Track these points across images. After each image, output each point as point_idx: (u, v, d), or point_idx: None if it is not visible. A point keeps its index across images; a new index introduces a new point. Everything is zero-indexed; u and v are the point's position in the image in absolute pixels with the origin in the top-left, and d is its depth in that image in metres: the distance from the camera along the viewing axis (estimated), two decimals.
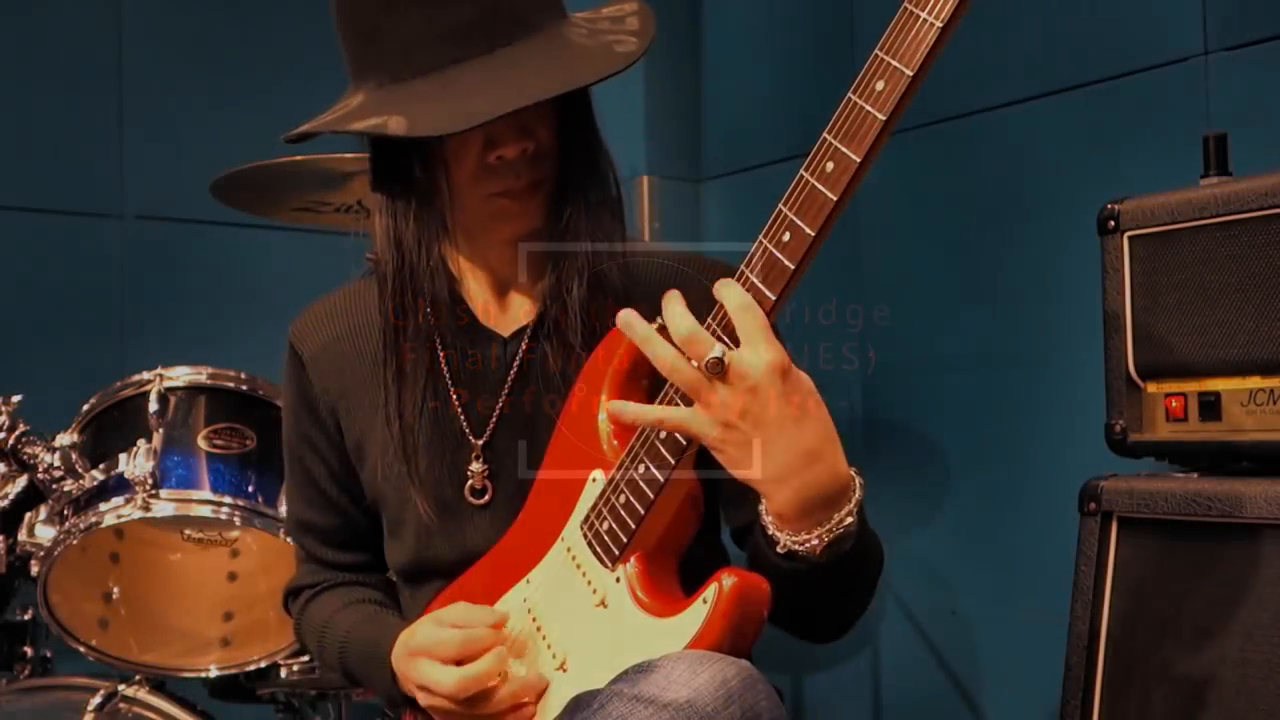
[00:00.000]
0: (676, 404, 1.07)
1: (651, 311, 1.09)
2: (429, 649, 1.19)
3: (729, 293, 1.03)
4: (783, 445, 1.02)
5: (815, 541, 1.05)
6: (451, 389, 1.31)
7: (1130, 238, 1.46)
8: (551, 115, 1.23)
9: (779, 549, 1.07)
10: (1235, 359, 1.36)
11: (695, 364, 1.02)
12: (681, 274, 1.34)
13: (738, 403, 1.01)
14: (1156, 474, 1.44)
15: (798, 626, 1.21)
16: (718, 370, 1.00)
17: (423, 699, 1.21)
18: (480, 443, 1.31)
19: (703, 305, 1.05)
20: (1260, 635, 1.29)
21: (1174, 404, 1.42)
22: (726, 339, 1.03)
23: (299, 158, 1.94)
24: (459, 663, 1.18)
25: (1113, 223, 1.47)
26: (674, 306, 1.04)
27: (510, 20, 1.17)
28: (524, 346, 1.31)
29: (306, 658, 1.99)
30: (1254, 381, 1.35)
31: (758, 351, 1.00)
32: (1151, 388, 1.45)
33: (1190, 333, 1.40)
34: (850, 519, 1.05)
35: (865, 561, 1.15)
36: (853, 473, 1.06)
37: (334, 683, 2.00)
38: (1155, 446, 1.45)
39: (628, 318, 1.07)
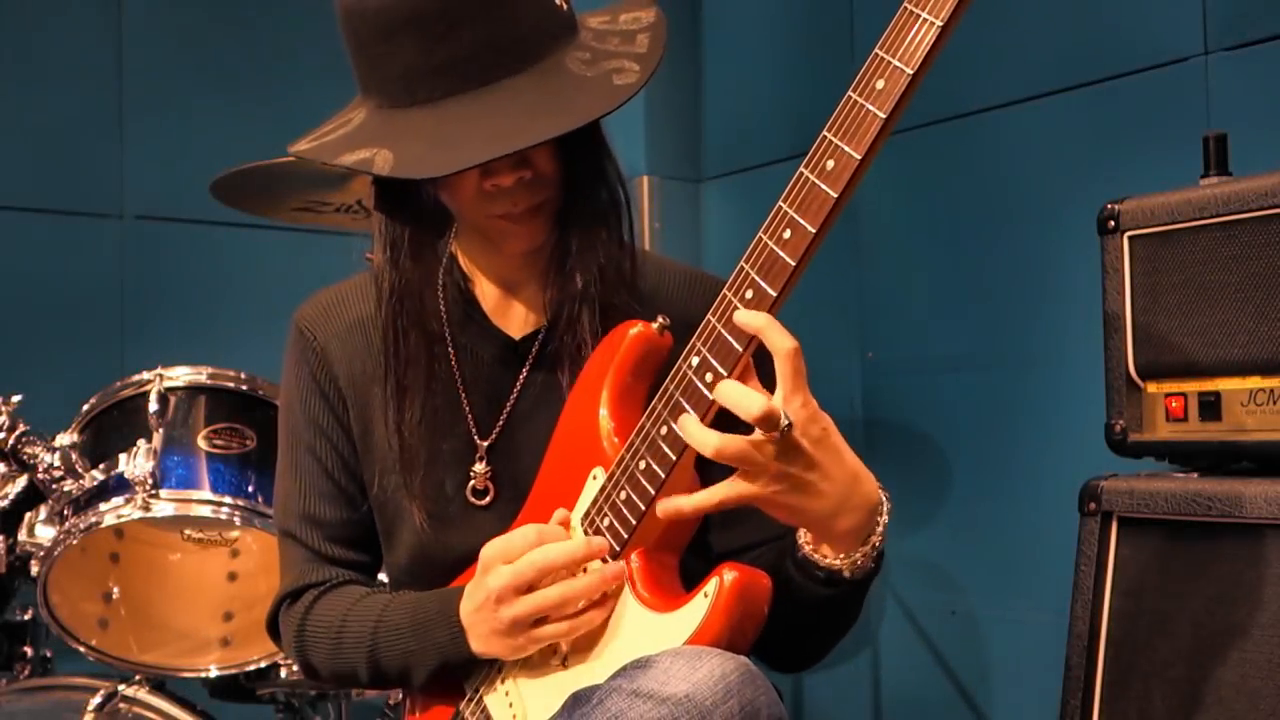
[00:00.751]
0: (681, 407, 1.07)
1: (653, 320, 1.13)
2: (505, 552, 1.14)
3: (776, 336, 1.01)
4: (836, 476, 1.04)
5: (860, 558, 1.10)
6: (460, 388, 1.31)
7: (1130, 238, 1.46)
8: (550, 143, 1.22)
9: (846, 575, 1.11)
10: (1235, 359, 1.36)
11: (764, 434, 1.01)
12: (687, 285, 1.34)
13: (792, 453, 1.02)
14: (1156, 474, 1.43)
15: (809, 654, 1.24)
16: (788, 434, 1.00)
17: (507, 611, 1.13)
18: (486, 444, 1.31)
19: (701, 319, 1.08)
20: (1260, 635, 1.29)
21: (1174, 404, 1.42)
22: (714, 361, 1.04)
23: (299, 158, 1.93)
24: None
25: (1113, 223, 1.47)
26: (741, 391, 1.02)
27: (510, 52, 1.16)
28: (534, 349, 1.31)
29: None
30: (1254, 381, 1.35)
31: (805, 400, 1.02)
32: (1151, 388, 1.45)
33: (1190, 333, 1.40)
34: (886, 518, 1.10)
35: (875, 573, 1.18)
36: (879, 489, 1.11)
37: (335, 683, 1.99)
38: (1155, 446, 1.45)
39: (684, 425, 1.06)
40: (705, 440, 1.02)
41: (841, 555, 1.10)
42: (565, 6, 1.23)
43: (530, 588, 1.13)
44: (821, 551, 1.11)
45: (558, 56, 1.19)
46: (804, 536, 1.12)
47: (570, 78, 1.18)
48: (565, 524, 1.18)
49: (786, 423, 0.99)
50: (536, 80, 1.17)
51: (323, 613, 1.32)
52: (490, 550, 1.16)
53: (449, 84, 1.16)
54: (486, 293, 1.34)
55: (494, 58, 1.16)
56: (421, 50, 1.15)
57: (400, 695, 1.40)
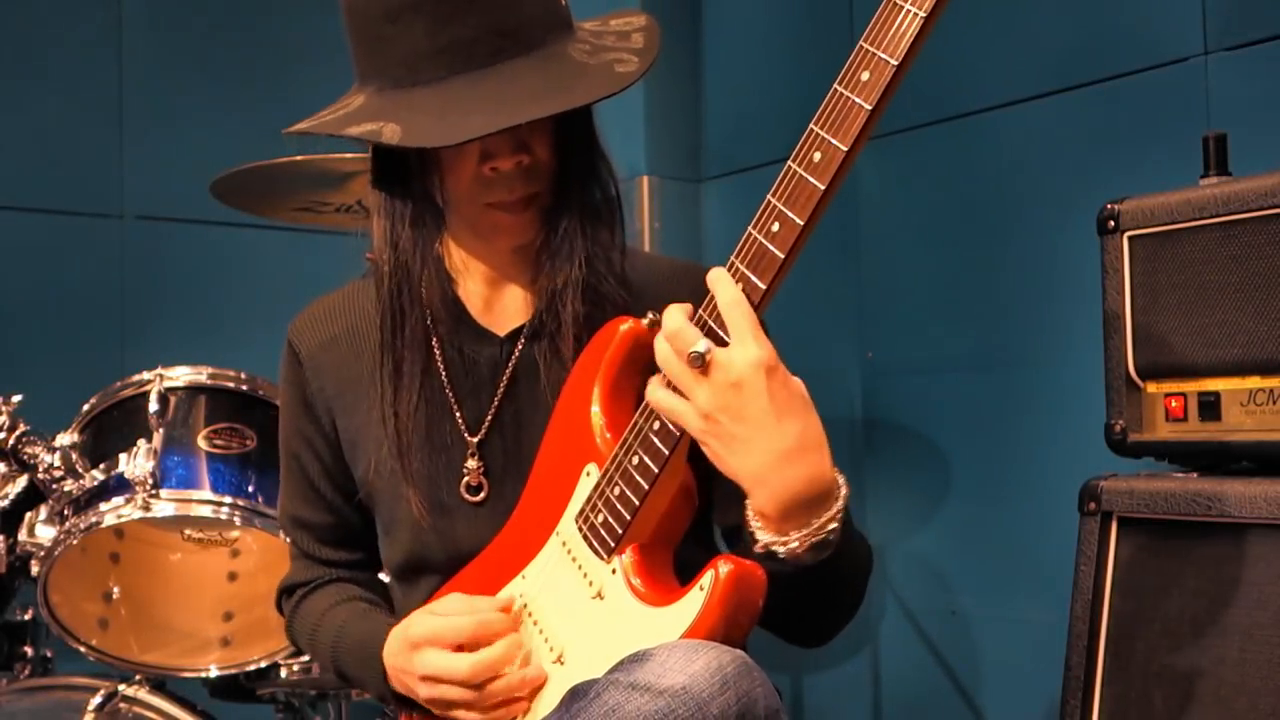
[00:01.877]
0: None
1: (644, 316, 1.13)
2: (435, 636, 1.19)
3: (721, 287, 1.04)
4: (762, 442, 1.02)
5: (795, 544, 1.05)
6: (448, 387, 1.32)
7: (1130, 238, 1.46)
8: (549, 131, 1.24)
9: (757, 547, 1.07)
10: (1235, 359, 1.36)
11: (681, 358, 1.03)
12: (677, 278, 1.34)
13: (720, 397, 1.02)
14: (1156, 474, 1.44)
15: (779, 628, 1.22)
16: (699, 364, 1.02)
17: (425, 691, 1.20)
18: (476, 440, 1.32)
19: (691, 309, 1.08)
20: (1260, 635, 1.29)
21: (1174, 404, 1.42)
22: (719, 330, 1.04)
23: (299, 158, 1.94)
24: (464, 650, 1.18)
25: (1113, 223, 1.47)
26: (673, 306, 1.07)
27: (513, 37, 1.18)
28: (519, 346, 1.32)
29: (306, 657, 1.99)
30: (1254, 381, 1.35)
31: (745, 347, 1.01)
32: (1151, 388, 1.45)
33: (1190, 333, 1.40)
34: (833, 524, 1.05)
35: (849, 569, 1.15)
36: (839, 479, 1.07)
37: (333, 683, 2.00)
38: (1155, 446, 1.45)
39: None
40: (659, 346, 1.06)
41: (769, 531, 1.06)
42: (564, 4, 1.25)
43: (463, 647, 1.19)
44: (758, 521, 1.07)
45: (559, 45, 1.21)
46: (749, 501, 1.08)
47: (572, 64, 1.20)
48: (507, 608, 1.21)
49: (699, 350, 1.01)
50: (539, 64, 1.18)
51: (303, 615, 1.42)
52: (420, 630, 1.21)
53: (452, 65, 1.17)
54: (472, 292, 1.34)
55: (498, 41, 1.17)
56: (427, 32, 1.16)
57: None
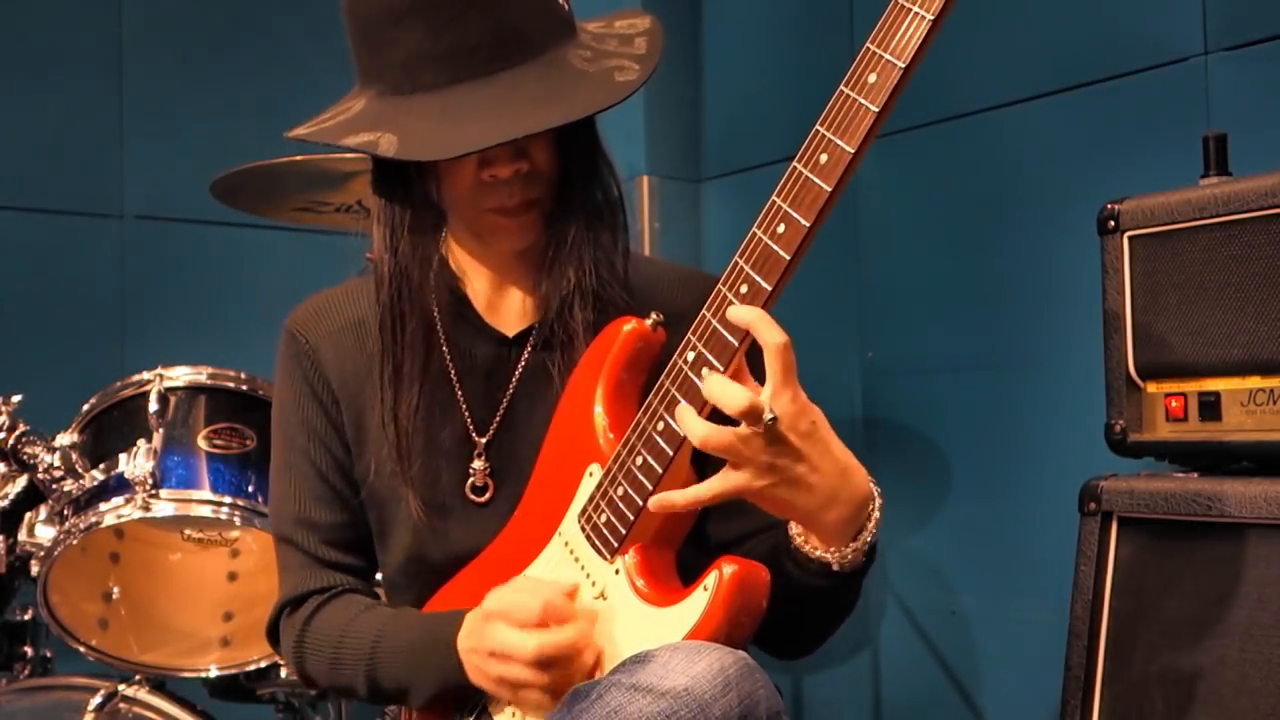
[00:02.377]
0: (675, 398, 1.08)
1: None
2: (506, 611, 1.14)
3: (766, 331, 1.02)
4: (825, 470, 1.05)
5: (851, 553, 1.10)
6: (456, 387, 1.31)
7: (1130, 238, 1.46)
8: (548, 138, 1.23)
9: (835, 568, 1.10)
10: (1235, 359, 1.36)
11: (750, 428, 1.01)
12: (679, 284, 1.34)
13: (779, 446, 1.02)
14: (1156, 474, 1.44)
15: (779, 639, 1.22)
16: (773, 428, 1.01)
17: (495, 668, 1.14)
18: (484, 441, 1.31)
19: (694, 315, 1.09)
20: (1260, 635, 1.29)
21: (1174, 404, 1.42)
22: (710, 355, 1.05)
23: (299, 158, 1.94)
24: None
25: (1113, 223, 1.47)
26: (723, 385, 1.03)
27: (514, 44, 1.17)
28: (528, 347, 1.32)
29: None
30: (1254, 381, 1.35)
31: (795, 394, 1.02)
32: (1151, 388, 1.45)
33: (1190, 333, 1.40)
34: (878, 514, 1.11)
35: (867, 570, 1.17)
36: (874, 490, 1.11)
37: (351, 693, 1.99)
38: (1155, 446, 1.45)
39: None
40: (694, 429, 1.03)
41: (831, 549, 1.10)
42: (566, 6, 1.24)
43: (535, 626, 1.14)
44: (811, 544, 1.11)
45: (560, 51, 1.20)
46: (795, 528, 1.12)
47: (572, 71, 1.19)
48: (572, 594, 1.17)
49: (771, 416, 1.00)
50: (539, 72, 1.18)
51: (323, 625, 1.32)
52: (495, 603, 1.15)
53: (453, 71, 1.17)
54: (478, 291, 1.34)
55: (498, 48, 1.17)
56: (428, 37, 1.16)
57: None
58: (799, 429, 1.02)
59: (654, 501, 1.08)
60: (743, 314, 1.03)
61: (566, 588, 1.17)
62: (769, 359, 1.01)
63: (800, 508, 1.07)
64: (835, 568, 1.10)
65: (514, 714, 1.20)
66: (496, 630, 1.14)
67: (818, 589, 1.12)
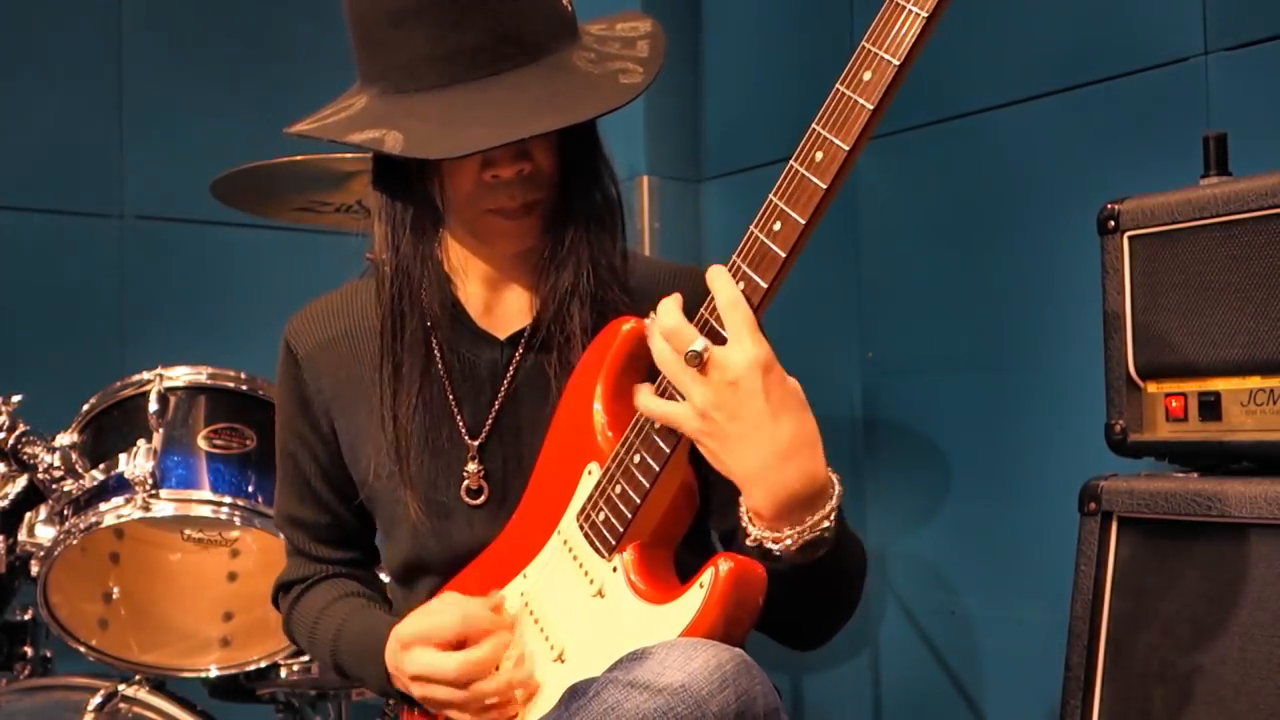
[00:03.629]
0: (673, 396, 1.08)
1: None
2: (425, 635, 1.20)
3: (720, 286, 1.04)
4: (757, 441, 1.02)
5: (789, 542, 1.05)
6: (448, 391, 1.32)
7: (1130, 238, 1.46)
8: (551, 140, 1.23)
9: (749, 542, 1.07)
10: (1235, 359, 1.36)
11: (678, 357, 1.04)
12: (677, 282, 1.34)
13: (715, 396, 1.02)
14: (1156, 474, 1.44)
15: (775, 630, 1.22)
16: (696, 363, 1.02)
17: (418, 690, 1.21)
18: (476, 444, 1.32)
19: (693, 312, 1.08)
20: (1260, 635, 1.29)
21: (1174, 404, 1.42)
22: (720, 329, 1.04)
23: (299, 158, 1.94)
24: (458, 648, 1.18)
25: (1113, 223, 1.47)
26: (667, 301, 1.07)
27: (518, 45, 1.17)
28: (520, 351, 1.32)
29: (306, 657, 1.99)
30: (1254, 381, 1.35)
31: (742, 347, 1.01)
32: (1151, 388, 1.45)
33: (1190, 333, 1.40)
34: (827, 523, 1.05)
35: (843, 568, 1.15)
36: (833, 478, 1.07)
37: (334, 682, 2.00)
38: (1155, 446, 1.45)
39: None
40: (656, 345, 1.06)
41: (762, 529, 1.06)
42: (570, 9, 1.24)
43: (455, 645, 1.19)
44: (750, 516, 1.07)
45: (564, 54, 1.20)
46: (743, 500, 1.08)
47: (577, 74, 1.19)
48: (498, 607, 1.22)
49: (697, 349, 1.01)
50: (543, 74, 1.18)
51: (301, 611, 1.42)
52: (411, 628, 1.22)
53: (456, 72, 1.16)
54: (471, 294, 1.34)
55: (502, 49, 1.16)
56: (432, 37, 1.15)
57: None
58: (742, 385, 1.01)
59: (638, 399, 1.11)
60: (712, 274, 1.05)
61: (488, 601, 1.21)
62: (723, 313, 1.03)
63: (728, 468, 1.05)
64: (776, 552, 1.06)
65: None
66: (416, 655, 1.20)
67: (774, 573, 1.08)
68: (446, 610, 1.21)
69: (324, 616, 1.38)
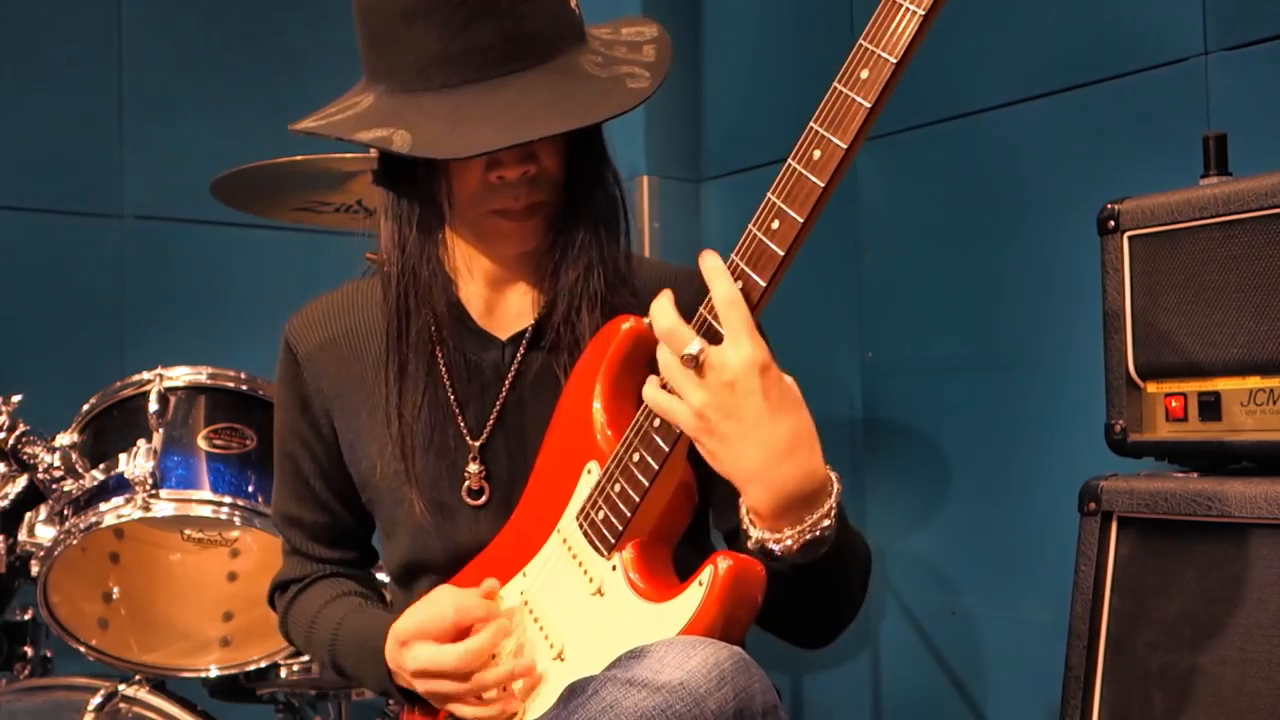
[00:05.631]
0: (672, 394, 1.07)
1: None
2: (423, 629, 1.20)
3: (718, 284, 1.04)
4: (755, 441, 1.02)
5: (789, 541, 1.05)
6: (450, 391, 1.32)
7: (1130, 238, 1.46)
8: (557, 142, 1.24)
9: (751, 544, 1.07)
10: (1235, 359, 1.36)
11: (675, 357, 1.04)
12: (681, 284, 1.34)
13: (712, 396, 1.02)
14: (1156, 474, 1.43)
15: (781, 629, 1.22)
16: (693, 365, 1.02)
17: (421, 685, 1.21)
18: (478, 444, 1.32)
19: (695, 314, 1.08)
20: (1260, 635, 1.29)
21: (1174, 404, 1.42)
22: (718, 326, 1.04)
23: (299, 158, 1.94)
24: (458, 640, 1.19)
25: (1113, 223, 1.47)
26: (660, 301, 1.07)
27: (527, 48, 1.17)
28: (522, 350, 1.32)
29: (306, 658, 1.99)
30: (1254, 381, 1.35)
31: (739, 346, 1.01)
32: (1151, 388, 1.45)
33: (1190, 333, 1.40)
34: (827, 522, 1.05)
35: (846, 566, 1.15)
36: (832, 476, 1.07)
37: (334, 682, 2.00)
38: (1155, 446, 1.45)
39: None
40: (659, 319, 1.05)
41: (762, 528, 1.06)
42: (578, 12, 1.24)
43: (453, 637, 1.19)
44: (751, 518, 1.08)
45: (572, 57, 1.21)
46: (742, 500, 1.08)
47: (585, 77, 1.20)
48: (491, 594, 1.23)
49: (692, 351, 1.01)
50: (551, 77, 1.18)
51: (298, 611, 1.42)
52: (408, 624, 1.22)
53: (465, 73, 1.17)
54: (473, 294, 1.34)
55: (511, 51, 1.17)
56: (441, 37, 1.16)
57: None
58: (739, 385, 1.01)
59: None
60: (709, 263, 1.04)
61: (482, 590, 1.22)
62: (720, 312, 1.02)
63: (727, 468, 1.05)
64: (777, 552, 1.06)
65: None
66: (416, 651, 1.20)
67: (776, 573, 1.08)
68: (440, 603, 1.21)
69: (321, 616, 1.38)
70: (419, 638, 1.20)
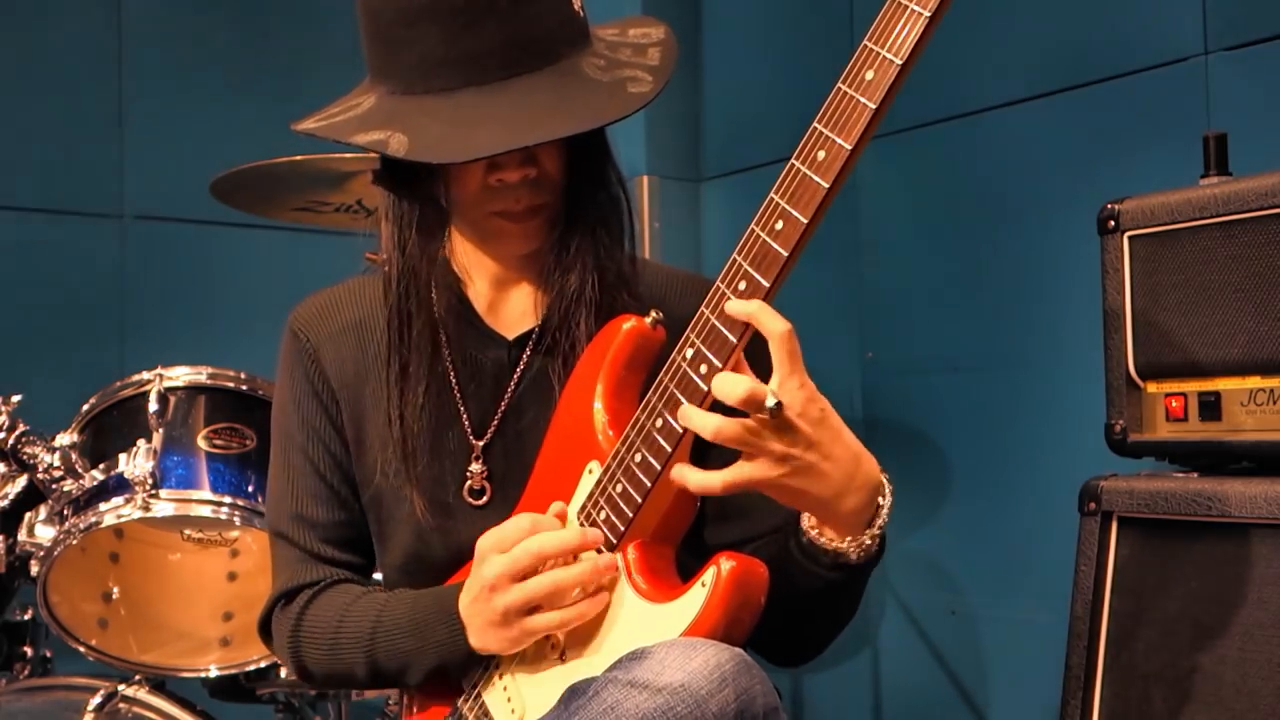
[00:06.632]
0: (676, 399, 1.08)
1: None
2: (500, 540, 1.14)
3: (768, 320, 1.02)
4: (836, 459, 1.05)
5: (869, 541, 1.10)
6: (455, 390, 1.31)
7: (1130, 238, 1.46)
8: (558, 145, 1.23)
9: (853, 559, 1.10)
10: (1235, 359, 1.36)
11: (754, 416, 1.01)
12: (687, 291, 1.34)
13: (790, 434, 1.02)
14: (1156, 474, 1.44)
15: (807, 644, 1.23)
16: (778, 414, 1.00)
17: (498, 600, 1.13)
18: (481, 444, 1.31)
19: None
20: (1260, 635, 1.29)
21: (1174, 404, 1.42)
22: (708, 352, 1.04)
23: (299, 158, 1.94)
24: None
25: (1113, 223, 1.47)
26: (726, 377, 1.03)
27: (530, 51, 1.17)
28: (528, 351, 1.32)
29: None
30: (1254, 381, 1.35)
31: (801, 381, 1.02)
32: (1151, 388, 1.45)
33: (1190, 333, 1.40)
34: (890, 500, 1.10)
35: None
36: (883, 477, 1.11)
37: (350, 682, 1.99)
38: (1155, 446, 1.45)
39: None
40: (705, 423, 1.02)
41: (848, 539, 1.09)
42: (582, 14, 1.24)
43: (524, 576, 1.12)
44: (826, 535, 1.10)
45: (574, 60, 1.20)
46: (807, 521, 1.11)
47: (586, 81, 1.19)
48: (561, 516, 1.18)
49: (774, 403, 0.99)
50: (553, 80, 1.18)
51: (319, 612, 1.32)
52: (485, 540, 1.16)
53: (467, 75, 1.16)
54: (480, 293, 1.34)
55: (513, 54, 1.16)
56: (443, 40, 1.15)
57: (399, 694, 1.39)
58: (809, 416, 1.02)
59: (675, 472, 1.07)
60: (742, 307, 1.03)
61: (556, 509, 1.18)
62: (773, 348, 1.01)
63: (815, 496, 1.06)
64: (853, 558, 1.10)
65: (505, 690, 1.20)
66: (490, 562, 1.13)
67: (828, 584, 1.11)
68: (510, 522, 1.16)
69: (354, 609, 1.28)
70: (494, 549, 1.14)
